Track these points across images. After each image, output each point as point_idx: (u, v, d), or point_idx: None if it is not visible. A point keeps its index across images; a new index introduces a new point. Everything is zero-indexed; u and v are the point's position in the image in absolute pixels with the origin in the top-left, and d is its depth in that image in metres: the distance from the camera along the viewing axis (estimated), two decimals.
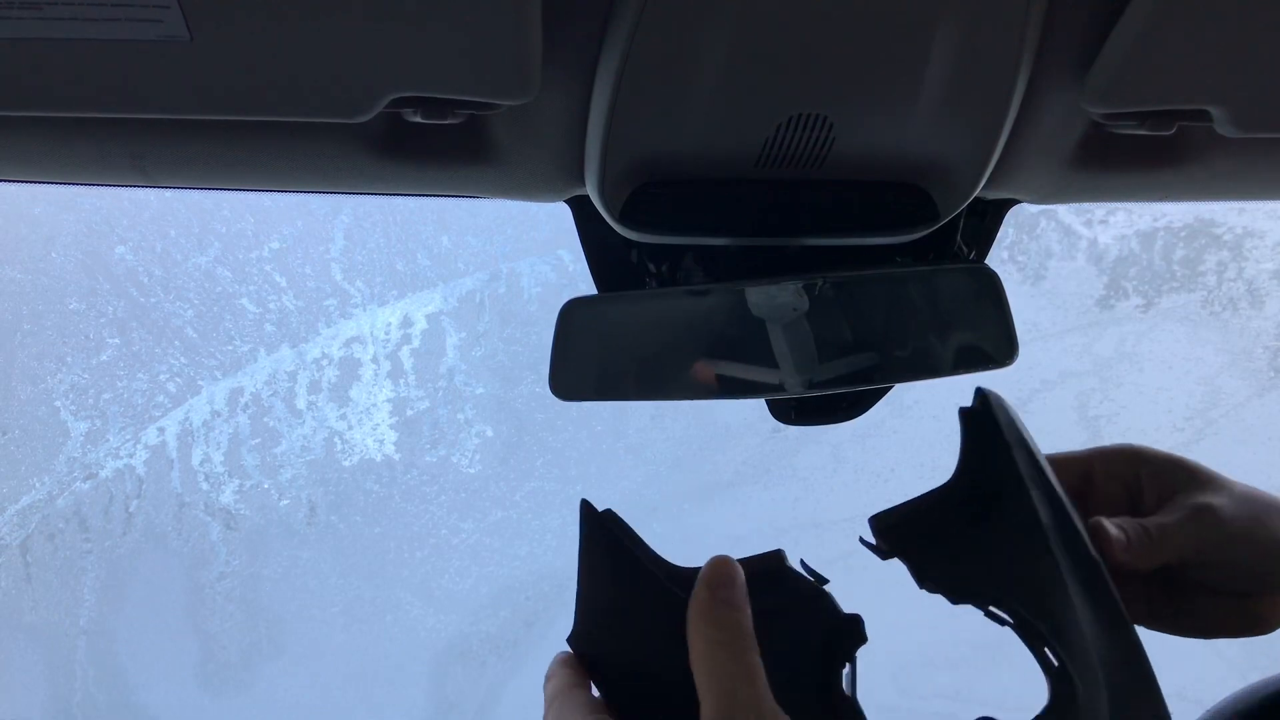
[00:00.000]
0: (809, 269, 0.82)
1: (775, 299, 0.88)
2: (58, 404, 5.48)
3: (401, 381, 5.65)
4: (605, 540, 0.63)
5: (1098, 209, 5.33)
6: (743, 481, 5.53)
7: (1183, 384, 5.39)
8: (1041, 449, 0.68)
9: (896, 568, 0.70)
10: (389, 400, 5.66)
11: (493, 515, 5.69)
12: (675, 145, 0.73)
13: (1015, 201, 0.89)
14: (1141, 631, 0.70)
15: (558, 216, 0.87)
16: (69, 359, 5.49)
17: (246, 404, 5.60)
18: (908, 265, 0.90)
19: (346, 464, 5.65)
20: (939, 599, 0.85)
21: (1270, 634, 0.69)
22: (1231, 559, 0.65)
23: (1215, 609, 0.67)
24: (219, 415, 5.58)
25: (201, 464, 5.55)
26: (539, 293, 5.53)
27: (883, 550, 0.68)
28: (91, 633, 5.50)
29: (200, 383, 5.58)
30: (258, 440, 5.60)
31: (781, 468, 5.54)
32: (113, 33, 0.56)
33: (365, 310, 5.62)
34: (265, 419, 5.60)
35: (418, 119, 0.67)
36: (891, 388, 0.96)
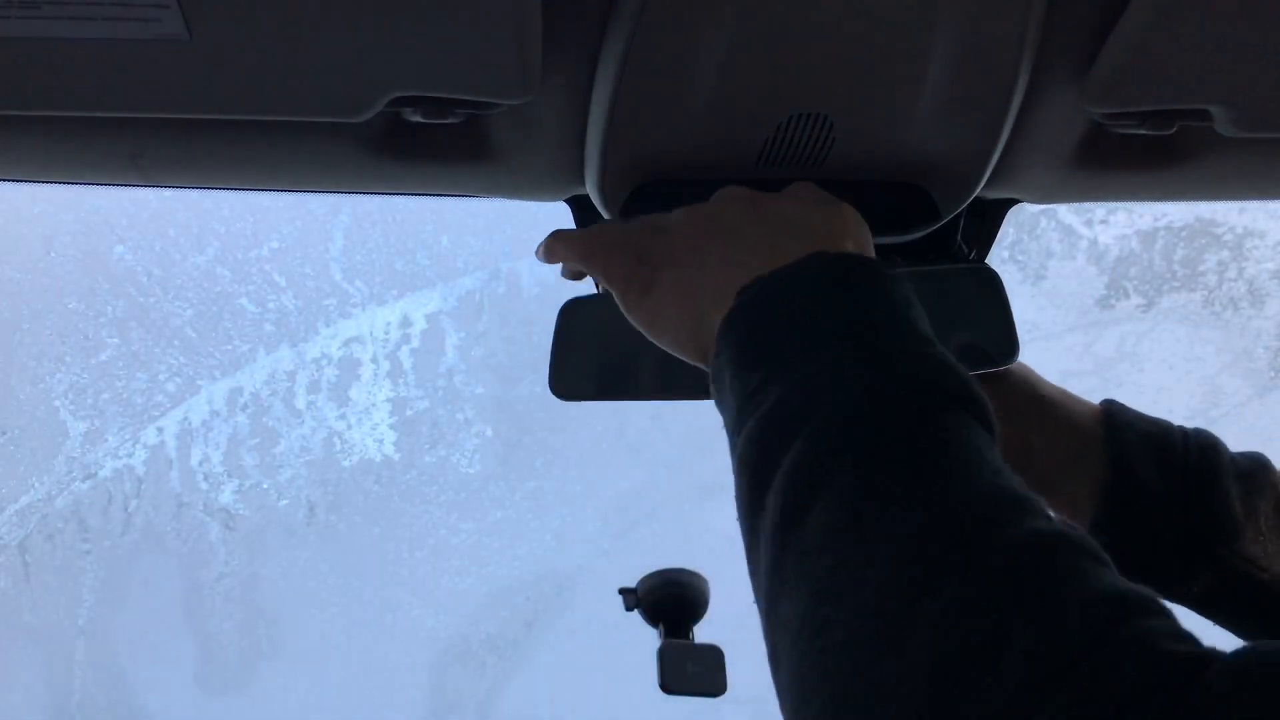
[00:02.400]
0: None
1: None
2: (57, 404, 5.48)
3: (401, 381, 5.65)
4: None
5: (1098, 209, 5.33)
6: None
7: (1183, 384, 5.38)
8: None
9: None
10: (388, 400, 5.66)
11: (493, 515, 5.69)
12: (675, 145, 0.73)
13: (1015, 201, 0.89)
14: None
15: (558, 216, 0.87)
16: (68, 359, 5.49)
17: (246, 404, 5.59)
18: (908, 265, 0.90)
19: (346, 464, 5.65)
20: None
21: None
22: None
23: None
24: (218, 415, 5.58)
25: (200, 464, 5.55)
26: (539, 293, 5.53)
27: None
28: (91, 633, 5.49)
29: (199, 382, 5.58)
30: (257, 440, 5.59)
31: None
32: (112, 32, 0.56)
33: (365, 310, 5.62)
34: (264, 419, 5.60)
35: (417, 118, 0.67)
36: None
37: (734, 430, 0.55)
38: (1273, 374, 5.36)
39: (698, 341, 0.63)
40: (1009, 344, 0.89)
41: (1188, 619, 0.44)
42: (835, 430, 0.49)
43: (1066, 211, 5.32)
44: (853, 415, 0.49)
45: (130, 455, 5.53)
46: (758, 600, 0.51)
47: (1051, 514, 0.46)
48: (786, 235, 0.60)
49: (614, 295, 0.68)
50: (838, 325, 0.54)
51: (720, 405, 0.59)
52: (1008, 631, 0.38)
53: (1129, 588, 0.41)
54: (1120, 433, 0.79)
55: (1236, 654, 0.37)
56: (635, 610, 1.05)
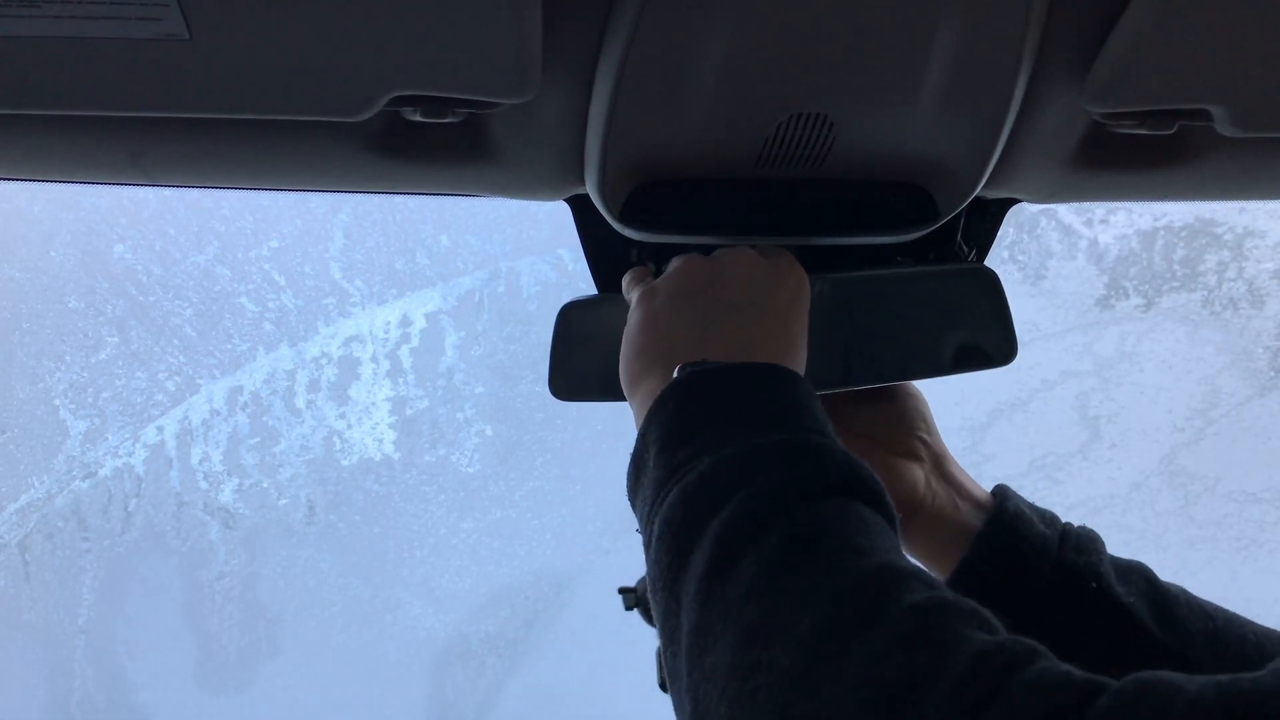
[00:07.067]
0: (809, 268, 0.82)
1: None
2: (57, 403, 5.48)
3: (401, 380, 5.65)
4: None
5: (1098, 209, 5.33)
6: None
7: (1183, 384, 5.38)
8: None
9: None
10: (388, 399, 5.65)
11: (492, 515, 5.69)
12: (675, 144, 0.73)
13: (1015, 201, 0.89)
14: None
15: (558, 216, 0.87)
16: (68, 357, 5.49)
17: (245, 403, 5.59)
18: (908, 265, 0.90)
19: (345, 463, 5.65)
20: None
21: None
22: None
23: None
24: (218, 414, 5.58)
25: (200, 463, 5.55)
26: (539, 292, 5.53)
27: None
28: (91, 632, 5.49)
29: (199, 381, 5.58)
30: (257, 439, 5.59)
31: None
32: (112, 31, 0.56)
33: (364, 309, 5.62)
34: (264, 418, 5.60)
35: (417, 118, 0.67)
36: None
37: (655, 498, 0.60)
38: (1273, 374, 5.36)
39: (631, 369, 0.73)
40: (1008, 344, 0.89)
41: None
42: (765, 499, 0.55)
43: (1066, 211, 5.32)
44: (784, 486, 0.55)
45: (130, 454, 5.53)
46: (676, 667, 0.54)
47: (939, 582, 0.52)
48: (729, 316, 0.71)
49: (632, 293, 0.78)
50: (765, 417, 0.62)
51: (637, 475, 0.65)
52: (925, 674, 0.44)
53: (1015, 640, 0.46)
54: (1009, 497, 0.85)
55: (1122, 683, 0.42)
56: (635, 610, 1.05)
